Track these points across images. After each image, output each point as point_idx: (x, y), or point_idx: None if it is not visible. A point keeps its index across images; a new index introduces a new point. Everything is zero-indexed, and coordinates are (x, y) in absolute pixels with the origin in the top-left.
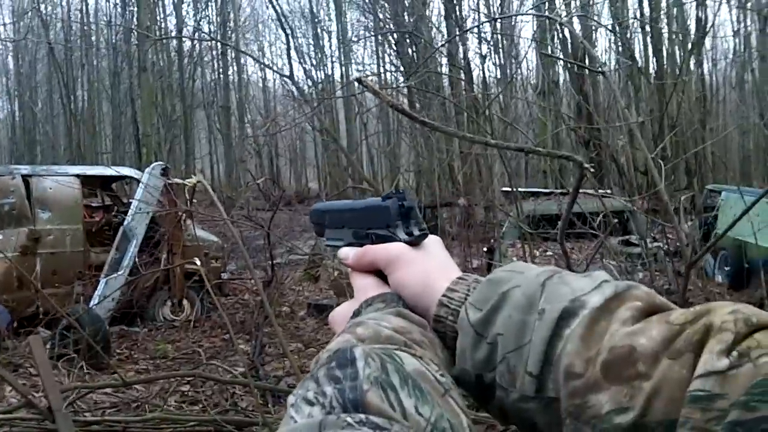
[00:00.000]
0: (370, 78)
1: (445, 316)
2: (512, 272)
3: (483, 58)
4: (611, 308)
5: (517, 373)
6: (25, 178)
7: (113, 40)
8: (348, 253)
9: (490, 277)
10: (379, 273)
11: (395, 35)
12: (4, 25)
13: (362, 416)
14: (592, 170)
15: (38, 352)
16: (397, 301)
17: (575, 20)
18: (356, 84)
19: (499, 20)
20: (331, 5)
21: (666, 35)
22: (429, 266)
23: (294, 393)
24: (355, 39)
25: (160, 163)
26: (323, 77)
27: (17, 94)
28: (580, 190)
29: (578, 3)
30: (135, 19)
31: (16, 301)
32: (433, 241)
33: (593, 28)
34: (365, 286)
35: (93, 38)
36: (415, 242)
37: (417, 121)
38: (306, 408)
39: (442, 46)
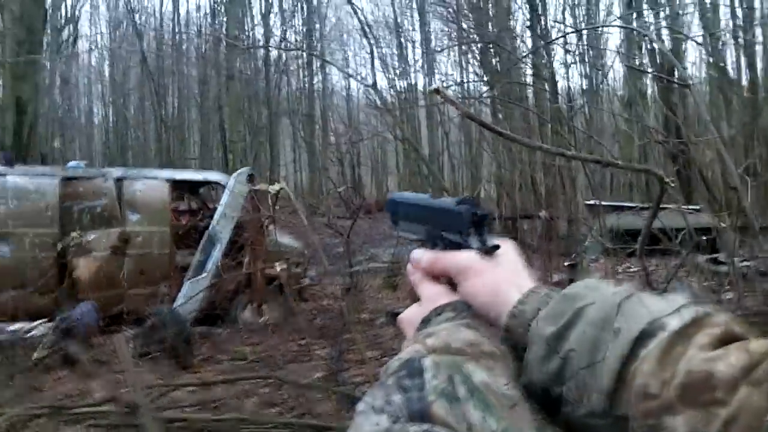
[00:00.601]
0: (449, 88)
1: (515, 328)
2: (587, 288)
3: (567, 68)
4: (689, 333)
5: (587, 389)
6: (117, 181)
7: (203, 50)
8: (421, 256)
9: (565, 292)
10: (448, 280)
11: (479, 45)
12: (101, 34)
13: (426, 426)
14: (672, 185)
15: (123, 350)
16: (467, 310)
17: (664, 31)
18: (432, 93)
19: (584, 31)
20: (415, 15)
21: (760, 47)
22: (499, 276)
23: (363, 400)
24: (438, 49)
25: (246, 169)
26: (406, 87)
27: (111, 101)
28: (667, 206)
29: (667, 12)
30: (224, 29)
31: (105, 299)
32: (507, 251)
33: (683, 40)
34: (435, 294)
35: (183, 47)
36: (488, 252)
37: (492, 130)
38: (374, 416)
39: (526, 56)
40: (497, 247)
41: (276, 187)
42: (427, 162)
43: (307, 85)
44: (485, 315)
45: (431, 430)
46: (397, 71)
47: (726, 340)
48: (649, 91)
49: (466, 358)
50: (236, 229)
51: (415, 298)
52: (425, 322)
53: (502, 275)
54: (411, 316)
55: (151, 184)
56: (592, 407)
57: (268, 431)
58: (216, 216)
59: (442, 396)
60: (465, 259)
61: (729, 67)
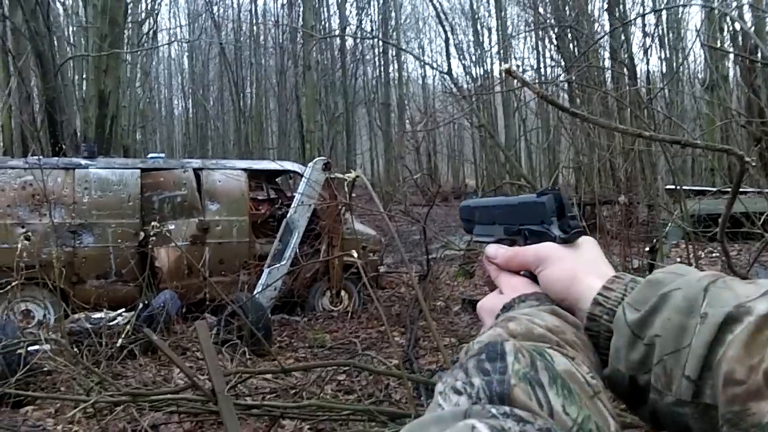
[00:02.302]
0: (525, 73)
1: (600, 315)
2: (672, 274)
3: (646, 51)
4: None
5: (673, 376)
6: (196, 172)
7: (280, 40)
8: (497, 252)
9: (650, 278)
10: (529, 274)
11: (556, 30)
12: (180, 26)
13: (507, 408)
14: (753, 164)
15: (204, 337)
16: (551, 300)
17: (746, 10)
18: (505, 75)
19: (664, 11)
20: (491, 1)
21: None
22: (579, 263)
23: (443, 381)
24: (515, 34)
25: (323, 158)
26: (482, 73)
27: (191, 92)
28: (749, 189)
29: None
30: (300, 19)
31: (185, 287)
32: (587, 241)
33: (766, 18)
34: (515, 284)
35: (261, 38)
36: (569, 240)
37: (566, 111)
38: (454, 397)
39: (602, 37)
40: (579, 234)
41: (352, 174)
42: (504, 149)
43: (382, 74)
44: (563, 302)
45: (512, 413)
46: (473, 58)
47: None
48: (731, 74)
49: (548, 345)
50: (313, 218)
51: (492, 287)
52: (507, 308)
53: (582, 263)
54: (490, 303)
55: (229, 174)
56: (679, 395)
57: (345, 418)
58: (293, 204)
59: (524, 380)
60: (544, 248)
61: None
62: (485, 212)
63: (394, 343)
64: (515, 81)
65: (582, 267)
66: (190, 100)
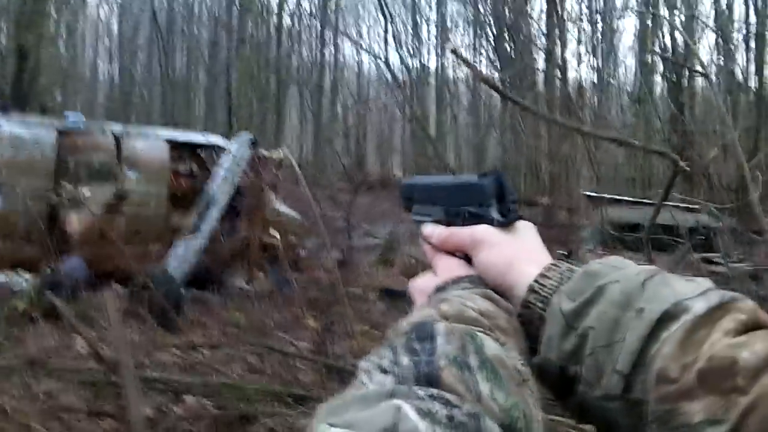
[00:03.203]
0: (464, 70)
1: (534, 303)
2: (610, 266)
3: (580, 57)
4: (715, 317)
5: (604, 369)
6: (117, 138)
7: (215, 11)
8: (433, 231)
9: (587, 269)
10: (464, 255)
11: (493, 29)
12: None
13: (434, 391)
14: (686, 169)
15: (111, 307)
16: (485, 284)
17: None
18: (450, 61)
19: (598, 25)
20: None
21: None
22: (516, 249)
23: (368, 358)
24: (454, 28)
25: (249, 134)
26: (418, 65)
27: (118, 56)
28: (670, 203)
29: (683, 11)
30: None
31: (95, 255)
32: (525, 226)
33: (695, 42)
34: (450, 266)
35: (195, 8)
36: (507, 223)
37: (506, 97)
38: (379, 376)
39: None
40: (517, 218)
41: (279, 153)
42: (434, 142)
43: (318, 56)
44: (498, 287)
45: (439, 395)
46: (411, 49)
47: (751, 326)
48: (658, 89)
49: (479, 329)
50: (235, 195)
51: (410, 278)
52: (440, 289)
53: (519, 249)
54: (423, 283)
55: (151, 143)
56: (608, 389)
57: (251, 398)
58: (215, 179)
59: (453, 363)
60: (480, 231)
61: (738, 72)
62: (425, 192)
63: (308, 327)
64: (451, 74)
65: (519, 253)
66: (117, 64)
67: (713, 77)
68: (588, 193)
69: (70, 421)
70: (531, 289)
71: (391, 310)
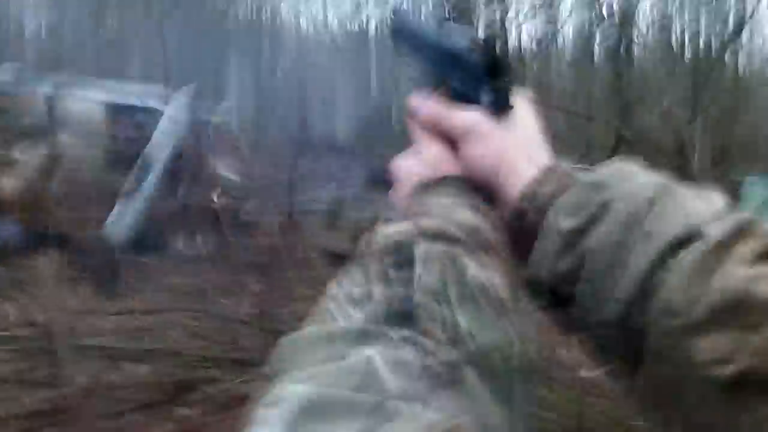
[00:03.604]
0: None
1: (527, 210)
2: (615, 177)
3: (519, 25)
4: (731, 244)
5: (602, 295)
6: (49, 98)
7: None
8: (422, 107)
9: (590, 180)
10: (451, 142)
11: None
12: None
13: (407, 333)
14: (629, 137)
15: (46, 272)
16: (473, 188)
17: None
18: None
19: None
20: None
21: (704, 25)
22: (508, 143)
23: (338, 282)
24: None
25: (188, 90)
26: (357, 28)
27: (48, 9)
28: None
29: None
30: None
31: (29, 219)
32: (524, 111)
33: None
34: (436, 156)
35: None
36: (500, 111)
37: None
38: (348, 308)
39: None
40: (511, 106)
41: (219, 116)
42: (378, 102)
43: (255, 19)
44: (486, 187)
45: (413, 339)
46: (349, 11)
47: None
48: (597, 52)
49: (461, 250)
50: (175, 156)
51: (355, 241)
52: (424, 189)
53: (512, 142)
54: (408, 165)
55: (86, 103)
56: (604, 315)
57: (191, 363)
58: (152, 140)
59: (429, 297)
60: (469, 119)
61: (672, 39)
62: (412, 41)
63: (249, 291)
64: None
65: (512, 149)
66: (46, 20)
67: (648, 42)
68: None
69: (1, 391)
70: (524, 197)
71: (336, 273)
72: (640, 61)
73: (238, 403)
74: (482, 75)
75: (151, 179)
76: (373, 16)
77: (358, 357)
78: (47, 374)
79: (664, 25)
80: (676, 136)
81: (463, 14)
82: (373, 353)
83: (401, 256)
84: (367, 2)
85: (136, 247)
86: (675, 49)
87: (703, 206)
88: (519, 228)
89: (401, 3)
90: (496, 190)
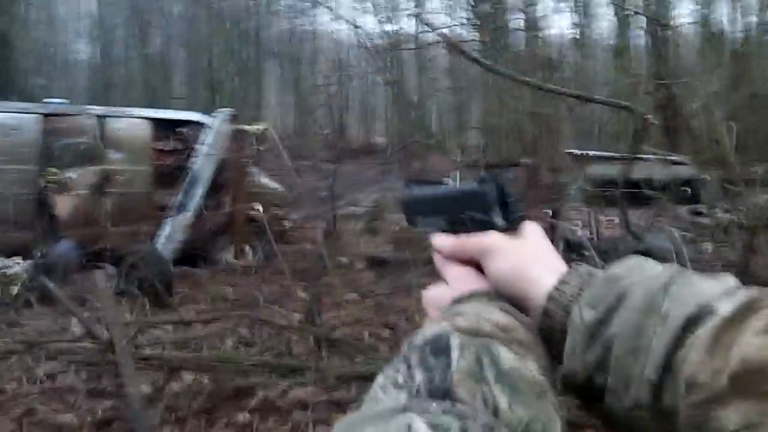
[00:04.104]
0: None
1: (554, 311)
2: (630, 269)
3: (558, 16)
4: (743, 317)
5: (631, 378)
6: (99, 119)
7: None
8: (444, 242)
9: (607, 274)
10: (476, 265)
11: None
12: None
13: (448, 404)
14: (653, 122)
15: (102, 287)
16: (502, 297)
17: None
18: (423, 26)
19: None
20: None
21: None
22: (526, 256)
23: (384, 373)
24: None
25: (229, 109)
26: (395, 30)
27: (96, 37)
28: (652, 156)
29: None
30: None
31: (85, 237)
32: (531, 228)
33: None
34: (463, 276)
35: None
36: (512, 227)
37: (470, 58)
38: (393, 392)
39: None
40: (521, 220)
41: (259, 127)
42: (415, 107)
43: (295, 27)
44: (510, 297)
45: (453, 409)
46: (387, 14)
47: None
48: (641, 42)
49: (496, 341)
50: (219, 170)
51: (397, 245)
52: (456, 302)
53: (530, 254)
54: (437, 295)
55: (133, 123)
56: (637, 398)
57: (245, 370)
58: (198, 156)
59: (468, 377)
60: (488, 240)
61: (721, 21)
62: (426, 204)
63: (297, 298)
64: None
65: (531, 259)
66: (96, 46)
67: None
68: (570, 150)
69: (71, 402)
70: (550, 297)
71: (379, 278)
72: (679, 49)
73: (294, 407)
74: (493, 202)
75: (198, 192)
76: (410, 22)
77: (400, 421)
78: (111, 384)
79: (704, 13)
80: (712, 126)
81: (502, 10)
82: (415, 418)
83: (439, 345)
84: (405, 1)
85: (186, 259)
86: (719, 29)
87: (713, 285)
88: (549, 328)
89: (409, 185)
90: (521, 297)
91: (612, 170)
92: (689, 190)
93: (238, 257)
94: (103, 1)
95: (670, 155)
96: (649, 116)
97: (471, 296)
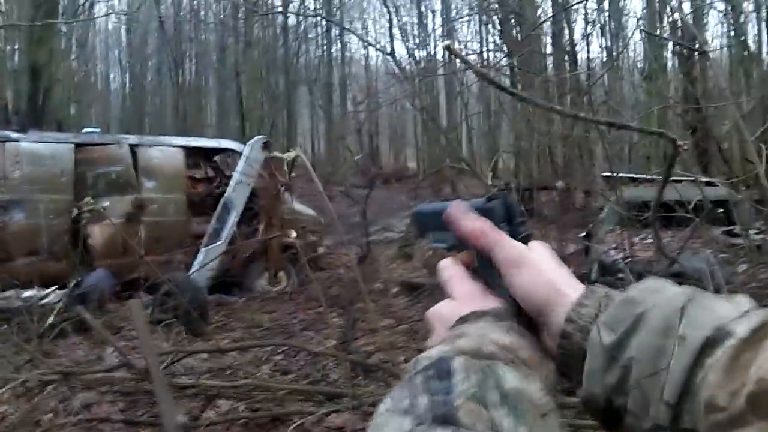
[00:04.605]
0: (469, 55)
1: (572, 333)
2: (648, 291)
3: (587, 38)
4: (759, 338)
5: (651, 400)
6: (132, 148)
7: (221, 15)
8: (483, 226)
9: (625, 297)
10: (484, 282)
11: (499, 15)
12: None
13: (451, 429)
14: (685, 148)
15: (138, 315)
16: (511, 316)
17: (686, 3)
18: (447, 54)
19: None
20: None
21: None
22: (553, 273)
23: (390, 398)
24: (458, 17)
25: (262, 136)
26: (425, 56)
27: (128, 67)
28: (683, 178)
29: None
30: None
31: (119, 266)
32: (540, 247)
33: (704, 11)
34: (469, 293)
35: (201, 13)
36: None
37: (501, 88)
38: (398, 418)
39: (545, 21)
40: (528, 238)
41: (291, 154)
42: (445, 132)
43: (325, 53)
44: (536, 314)
45: None
46: (416, 40)
47: None
48: (669, 64)
49: (499, 362)
50: (252, 197)
51: (430, 269)
52: (462, 320)
53: (552, 271)
54: (442, 312)
55: (166, 151)
56: (657, 420)
57: (281, 398)
58: (231, 183)
59: (471, 400)
60: (517, 250)
61: (750, 41)
62: (436, 218)
63: (332, 324)
64: (458, 62)
65: (554, 274)
66: (128, 75)
67: (720, 49)
68: (604, 173)
69: (108, 431)
70: (569, 319)
71: (413, 302)
72: (711, 70)
73: None
74: (501, 219)
75: (232, 220)
76: (440, 47)
77: None
78: (147, 414)
79: (738, 25)
80: (744, 147)
81: (532, 35)
82: None
83: (441, 369)
84: (434, 27)
85: (221, 287)
86: (750, 51)
87: (730, 307)
88: (568, 350)
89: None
90: (543, 313)
91: (645, 192)
92: (722, 211)
93: (273, 284)
94: (134, 29)
95: (703, 177)
96: (681, 143)
97: (477, 315)
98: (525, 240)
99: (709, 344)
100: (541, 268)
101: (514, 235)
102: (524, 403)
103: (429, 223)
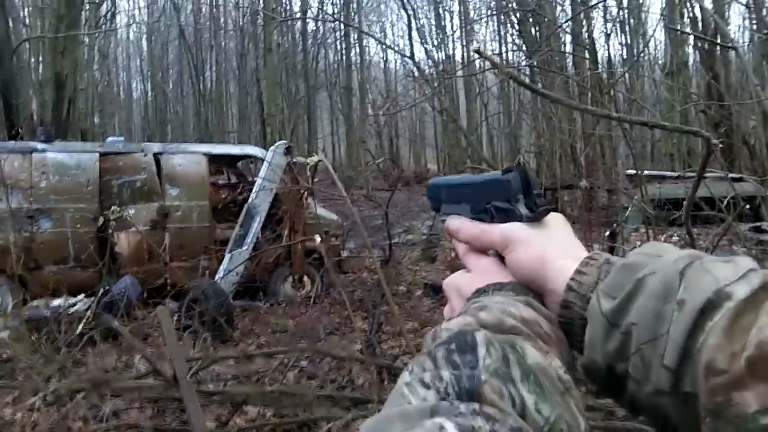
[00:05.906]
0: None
1: (573, 302)
2: (647, 256)
3: (608, 36)
4: (759, 300)
5: (652, 365)
6: (156, 156)
7: (240, 22)
8: (459, 226)
9: (624, 262)
10: (496, 253)
11: (518, 14)
12: (139, 8)
13: (476, 406)
14: (720, 145)
15: (165, 322)
16: (527, 290)
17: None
18: (475, 55)
19: None
20: None
21: None
22: (548, 246)
23: (409, 370)
24: (477, 18)
25: (284, 142)
26: (444, 57)
27: (150, 75)
28: (710, 174)
29: None
30: (261, 1)
31: (145, 273)
32: (555, 218)
33: (726, 4)
34: (485, 266)
35: (221, 20)
36: (536, 218)
37: (533, 90)
38: (421, 390)
39: (566, 22)
40: (547, 211)
41: (314, 159)
42: (466, 133)
43: (344, 58)
44: (534, 287)
45: (482, 411)
46: (435, 42)
47: None
48: (691, 59)
49: (521, 337)
50: (275, 202)
51: (454, 271)
52: (480, 293)
53: (551, 244)
54: (458, 282)
55: (189, 159)
56: (658, 385)
57: (308, 403)
58: (254, 189)
59: (495, 376)
60: (510, 228)
61: None
62: (451, 191)
63: (357, 328)
64: (478, 64)
65: (551, 249)
66: (149, 83)
67: (744, 43)
68: (628, 171)
69: None
70: (569, 288)
71: (437, 305)
72: (738, 65)
73: None
74: (517, 191)
75: (256, 225)
76: (459, 44)
77: (431, 424)
78: (176, 420)
79: (760, 18)
80: None
81: (551, 34)
82: (444, 420)
83: (464, 343)
84: (452, 29)
85: (246, 293)
86: None
87: (729, 269)
88: (569, 319)
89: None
90: (542, 288)
91: (670, 190)
92: (749, 207)
93: (297, 289)
94: (154, 38)
95: (730, 173)
96: (715, 141)
97: (495, 288)
98: (543, 213)
99: (709, 307)
100: (532, 244)
101: (530, 208)
102: (546, 380)
103: (441, 196)
